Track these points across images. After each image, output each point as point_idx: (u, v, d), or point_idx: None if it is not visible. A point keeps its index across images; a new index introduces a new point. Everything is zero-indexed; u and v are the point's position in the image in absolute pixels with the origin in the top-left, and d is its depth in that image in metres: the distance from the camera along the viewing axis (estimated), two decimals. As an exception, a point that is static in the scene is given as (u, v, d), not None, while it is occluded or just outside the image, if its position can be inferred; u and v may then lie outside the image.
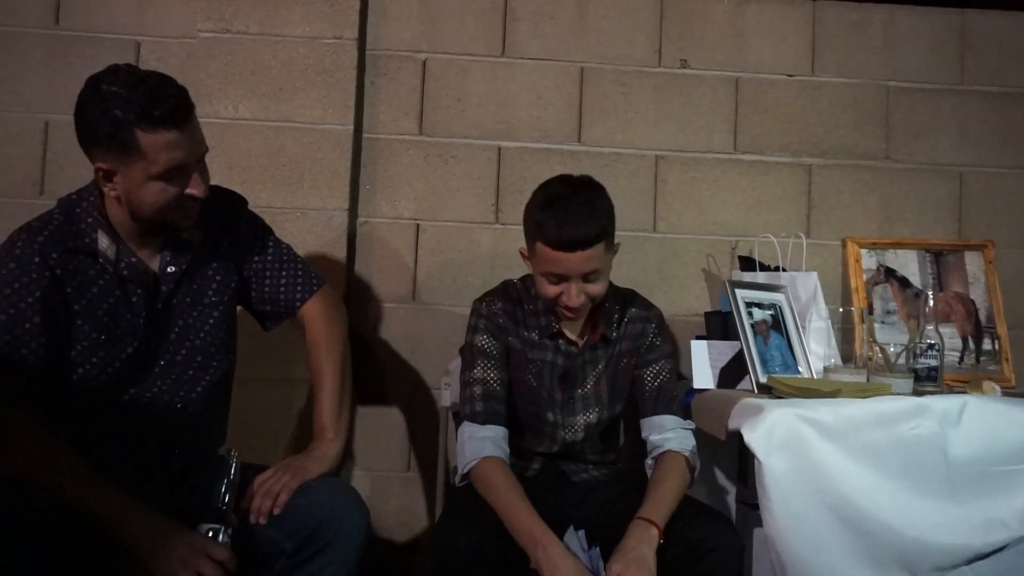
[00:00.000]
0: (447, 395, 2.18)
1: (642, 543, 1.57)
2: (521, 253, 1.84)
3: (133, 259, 1.62)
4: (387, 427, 2.44)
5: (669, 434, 1.79)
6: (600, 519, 1.74)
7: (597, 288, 1.75)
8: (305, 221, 2.29)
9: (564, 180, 1.80)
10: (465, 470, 1.73)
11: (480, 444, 1.73)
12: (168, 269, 1.65)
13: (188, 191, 1.58)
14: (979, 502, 1.75)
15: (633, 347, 1.87)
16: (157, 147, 1.50)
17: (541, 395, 1.84)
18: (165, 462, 1.67)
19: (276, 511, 1.59)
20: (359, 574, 1.68)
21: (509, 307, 1.86)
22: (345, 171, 2.32)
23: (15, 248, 1.54)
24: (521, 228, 1.90)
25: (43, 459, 1.50)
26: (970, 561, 1.74)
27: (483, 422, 1.75)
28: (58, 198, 1.64)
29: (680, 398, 1.92)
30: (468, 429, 1.76)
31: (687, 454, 1.76)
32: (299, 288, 1.81)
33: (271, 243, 1.83)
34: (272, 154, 2.29)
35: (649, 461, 1.80)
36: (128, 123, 1.49)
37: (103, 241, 1.59)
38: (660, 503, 1.65)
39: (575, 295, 1.72)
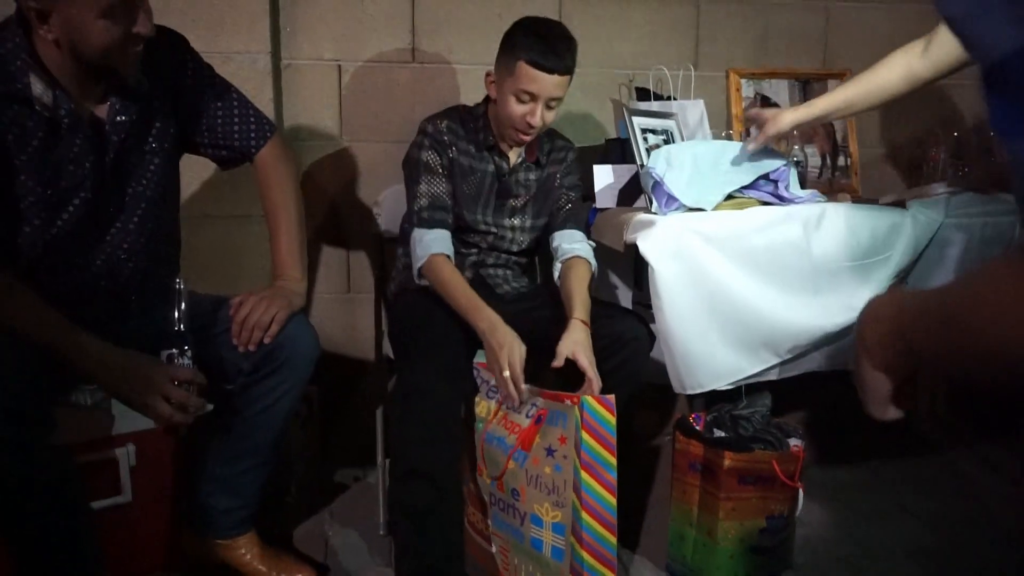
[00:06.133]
0: (379, 222, 2.27)
1: (581, 333, 1.84)
2: (487, 77, 1.99)
3: (72, 106, 1.47)
4: (326, 255, 2.52)
5: (577, 245, 2.05)
6: (521, 323, 1.93)
7: (552, 116, 1.95)
8: (230, 65, 2.22)
9: (545, 19, 1.97)
10: (419, 266, 1.92)
11: (429, 244, 1.92)
12: (118, 118, 1.54)
13: (135, 30, 1.43)
14: (836, 293, 1.92)
15: (558, 170, 2.12)
16: None
17: (479, 201, 2.06)
18: (124, 306, 1.66)
19: (268, 340, 1.63)
20: (310, 383, 1.81)
21: (453, 124, 2.03)
22: (264, 13, 2.27)
23: None
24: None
25: None
26: (825, 342, 1.92)
27: (430, 227, 1.94)
28: None
29: (586, 219, 2.15)
30: (417, 233, 1.95)
31: (591, 260, 2.04)
32: (252, 135, 1.79)
33: (220, 87, 1.76)
34: (187, -4, 2.21)
35: (558, 264, 2.04)
36: None
37: (37, 86, 1.42)
38: (584, 305, 1.92)
39: (539, 115, 1.91)
